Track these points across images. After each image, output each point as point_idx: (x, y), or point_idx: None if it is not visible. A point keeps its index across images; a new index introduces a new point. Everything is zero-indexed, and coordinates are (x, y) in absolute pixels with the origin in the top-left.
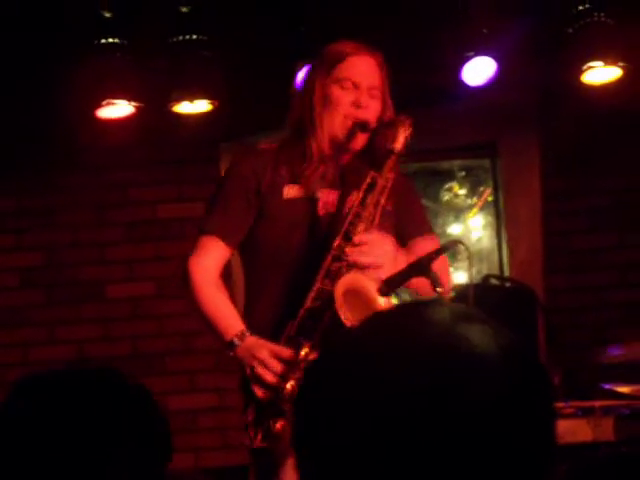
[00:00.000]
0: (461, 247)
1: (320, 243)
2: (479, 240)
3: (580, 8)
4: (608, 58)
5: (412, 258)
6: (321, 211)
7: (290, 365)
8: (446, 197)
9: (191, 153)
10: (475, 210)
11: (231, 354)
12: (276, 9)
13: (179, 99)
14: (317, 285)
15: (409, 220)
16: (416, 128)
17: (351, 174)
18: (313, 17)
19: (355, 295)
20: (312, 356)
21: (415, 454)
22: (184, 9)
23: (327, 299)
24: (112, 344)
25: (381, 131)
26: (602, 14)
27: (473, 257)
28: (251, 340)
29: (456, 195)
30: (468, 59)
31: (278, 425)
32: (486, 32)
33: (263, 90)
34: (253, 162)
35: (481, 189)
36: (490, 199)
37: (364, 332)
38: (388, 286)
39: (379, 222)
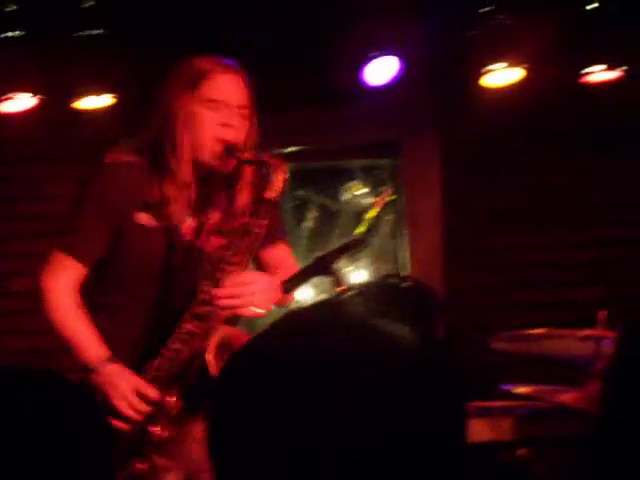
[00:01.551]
0: (362, 247)
1: (183, 279)
2: (379, 239)
3: (483, 10)
4: (511, 59)
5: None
6: (181, 238)
7: (154, 406)
8: (347, 196)
9: (94, 149)
10: (376, 209)
11: (89, 377)
12: (181, 5)
13: (82, 94)
14: (184, 327)
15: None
16: (318, 127)
17: (216, 199)
18: (211, 14)
19: (226, 348)
20: (177, 406)
21: (333, 446)
22: (88, 3)
23: (195, 346)
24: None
25: (256, 168)
26: (505, 16)
27: (373, 256)
28: (114, 368)
29: (357, 194)
30: (371, 59)
31: (142, 467)
32: (390, 32)
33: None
34: (112, 183)
35: (382, 189)
36: (391, 198)
37: (281, 331)
38: (291, 284)
39: (250, 261)
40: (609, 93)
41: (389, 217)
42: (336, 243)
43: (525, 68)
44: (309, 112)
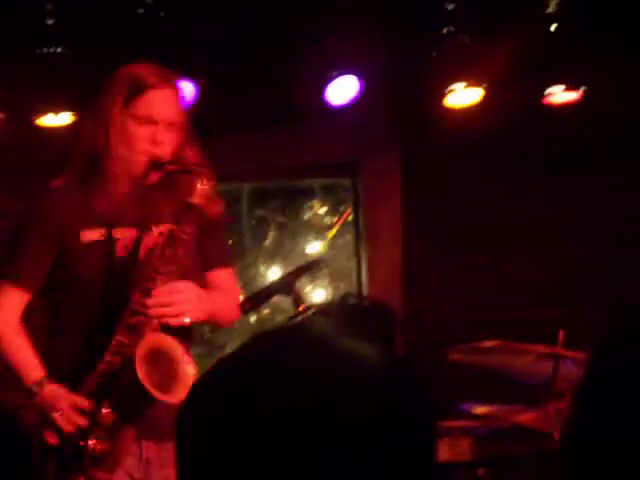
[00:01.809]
0: (322, 266)
1: (119, 291)
2: (339, 259)
3: (445, 30)
4: (470, 80)
5: (213, 293)
6: (120, 253)
7: (90, 419)
8: (307, 215)
9: (57, 166)
10: (335, 229)
11: (31, 400)
12: (142, 23)
13: (41, 111)
14: (116, 339)
15: (210, 251)
16: (279, 146)
17: (148, 210)
18: (172, 33)
19: (158, 356)
20: (111, 418)
21: (299, 468)
22: (50, 21)
23: (126, 356)
24: None
25: (182, 174)
26: (466, 36)
27: (333, 275)
28: (51, 388)
29: (317, 214)
30: (332, 78)
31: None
32: (351, 51)
33: None
34: (51, 205)
35: (342, 208)
36: (350, 218)
37: (245, 353)
38: (250, 304)
39: (179, 269)
40: (569, 114)
41: (349, 236)
42: (296, 262)
43: (485, 88)
44: (269, 131)
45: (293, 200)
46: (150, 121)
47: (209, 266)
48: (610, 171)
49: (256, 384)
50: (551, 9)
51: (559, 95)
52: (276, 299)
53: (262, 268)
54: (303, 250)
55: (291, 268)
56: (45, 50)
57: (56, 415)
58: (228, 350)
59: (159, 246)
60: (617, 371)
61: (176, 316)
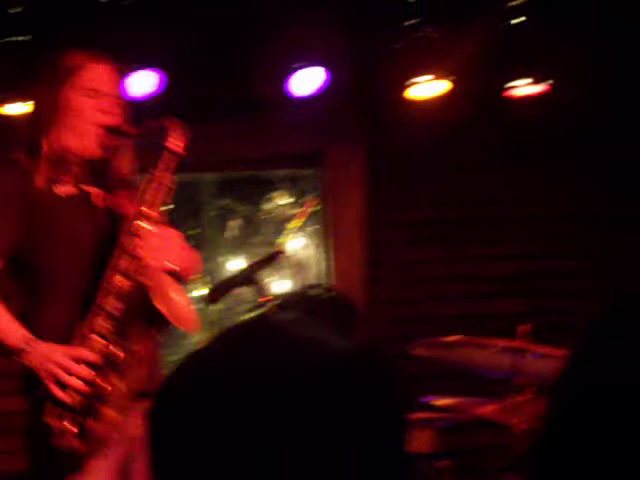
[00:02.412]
0: (284, 257)
1: (104, 240)
2: (302, 250)
3: (408, 22)
4: (435, 72)
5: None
6: (97, 204)
7: (93, 364)
8: (270, 206)
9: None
10: (299, 220)
11: (22, 361)
12: (107, 14)
13: (8, 100)
14: (107, 280)
15: None
16: (243, 136)
17: (108, 173)
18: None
19: (159, 291)
20: (120, 353)
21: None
22: (14, 9)
23: (123, 295)
24: None
25: (146, 134)
26: (431, 29)
27: (296, 266)
28: (43, 345)
29: (279, 205)
30: (296, 69)
31: (92, 423)
32: (315, 43)
33: None
34: (12, 173)
35: (305, 199)
36: (314, 209)
37: (213, 348)
38: (215, 294)
39: (161, 217)
40: (532, 106)
41: (312, 228)
42: (258, 253)
43: (450, 81)
44: (233, 121)
45: (255, 191)
46: (97, 92)
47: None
48: (573, 163)
49: (225, 378)
50: (515, 2)
51: (522, 88)
52: (239, 290)
53: (224, 259)
54: (265, 241)
55: (253, 259)
56: (9, 39)
57: (56, 370)
58: (189, 339)
59: (143, 190)
60: (596, 365)
61: (162, 260)
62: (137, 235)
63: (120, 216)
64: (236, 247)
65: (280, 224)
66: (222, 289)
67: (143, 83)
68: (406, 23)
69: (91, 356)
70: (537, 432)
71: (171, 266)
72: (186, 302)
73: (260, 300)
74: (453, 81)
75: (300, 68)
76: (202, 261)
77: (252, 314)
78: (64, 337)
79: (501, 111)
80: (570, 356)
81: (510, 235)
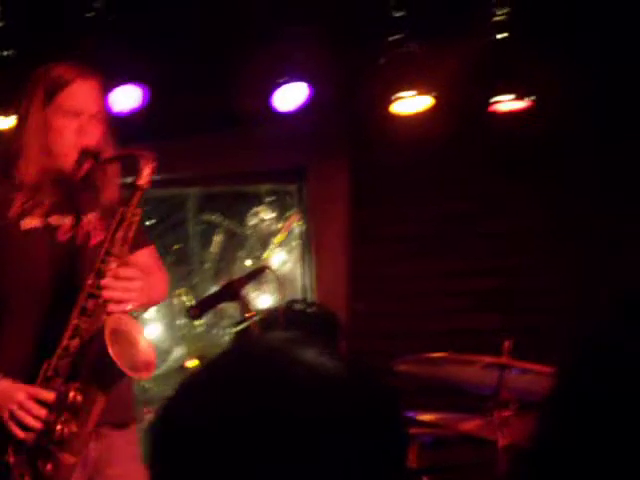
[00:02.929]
0: (269, 272)
1: (67, 276)
2: (285, 265)
3: (392, 38)
4: (419, 88)
5: (147, 278)
6: (61, 238)
7: (53, 407)
8: (253, 221)
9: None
10: (282, 235)
11: None
12: (91, 27)
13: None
14: (73, 322)
15: None
16: (226, 151)
17: (81, 198)
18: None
19: (120, 335)
20: (78, 397)
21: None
22: None
23: (87, 338)
24: None
25: (117, 160)
26: (415, 44)
27: (280, 281)
28: (5, 383)
29: (263, 220)
30: (280, 84)
31: (48, 467)
32: (299, 58)
33: None
34: None
35: (289, 214)
36: (297, 224)
37: (214, 370)
38: (199, 309)
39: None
40: (516, 121)
41: (295, 243)
42: (242, 268)
43: (434, 96)
44: (217, 136)
45: (239, 206)
46: (75, 113)
47: (134, 248)
48: (557, 178)
49: (223, 400)
50: (500, 17)
51: (506, 103)
52: (223, 305)
53: (207, 274)
54: (249, 256)
55: (237, 274)
56: None
57: (15, 408)
58: (174, 355)
59: (111, 228)
60: (586, 385)
61: (123, 302)
62: (103, 274)
63: (88, 250)
64: (219, 261)
65: (264, 239)
66: (206, 304)
67: (126, 98)
68: (390, 38)
69: (51, 397)
70: (527, 450)
71: (132, 308)
72: (147, 344)
73: (244, 315)
74: (436, 97)
75: (284, 83)
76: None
77: (236, 329)
78: (22, 374)
79: (485, 126)
80: (563, 371)
81: (493, 249)
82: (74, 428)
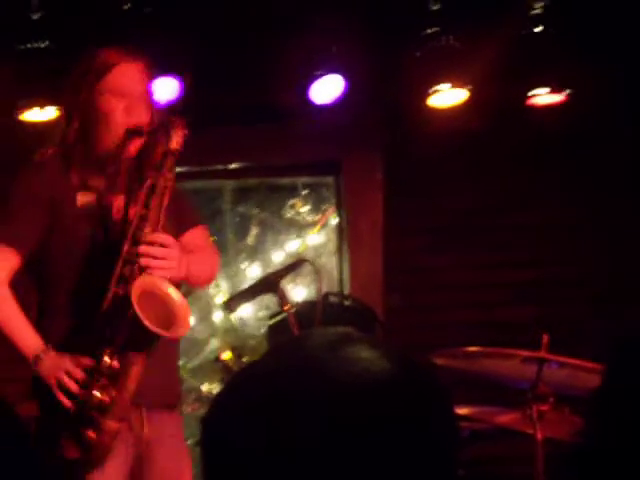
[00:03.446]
0: (308, 265)
1: (113, 249)
2: (320, 258)
3: (428, 31)
4: (454, 81)
5: (191, 255)
6: (114, 217)
7: (92, 373)
8: (289, 214)
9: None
10: (317, 227)
11: (35, 368)
12: (126, 20)
13: (27, 106)
14: (111, 290)
15: (182, 213)
16: (262, 144)
17: (132, 178)
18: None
19: (151, 296)
20: (114, 363)
21: None
22: (36, 15)
23: (121, 304)
24: None
25: (155, 134)
26: (451, 37)
27: (316, 274)
28: (52, 353)
29: (299, 212)
30: (316, 77)
31: (90, 434)
32: (335, 51)
33: None
34: (41, 175)
35: (324, 207)
36: (333, 217)
37: (251, 375)
38: (235, 302)
39: (164, 223)
40: (553, 115)
41: (331, 235)
42: (277, 259)
43: (469, 89)
44: (253, 129)
45: (275, 198)
46: (121, 93)
47: (184, 228)
48: (593, 172)
49: (292, 396)
50: (536, 11)
51: (543, 97)
52: (259, 297)
53: (243, 265)
54: (285, 248)
55: (274, 266)
56: (30, 45)
57: (62, 375)
58: (210, 347)
59: (143, 194)
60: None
61: (160, 269)
62: (137, 242)
63: (128, 222)
64: (255, 253)
65: (299, 231)
66: (243, 297)
67: (163, 90)
68: (426, 31)
69: (90, 363)
70: (575, 446)
71: (171, 275)
72: (179, 302)
73: (282, 308)
74: (471, 90)
75: (320, 76)
76: (219, 265)
77: (272, 322)
78: (68, 346)
79: (520, 119)
80: (609, 369)
81: (530, 241)
82: (113, 393)
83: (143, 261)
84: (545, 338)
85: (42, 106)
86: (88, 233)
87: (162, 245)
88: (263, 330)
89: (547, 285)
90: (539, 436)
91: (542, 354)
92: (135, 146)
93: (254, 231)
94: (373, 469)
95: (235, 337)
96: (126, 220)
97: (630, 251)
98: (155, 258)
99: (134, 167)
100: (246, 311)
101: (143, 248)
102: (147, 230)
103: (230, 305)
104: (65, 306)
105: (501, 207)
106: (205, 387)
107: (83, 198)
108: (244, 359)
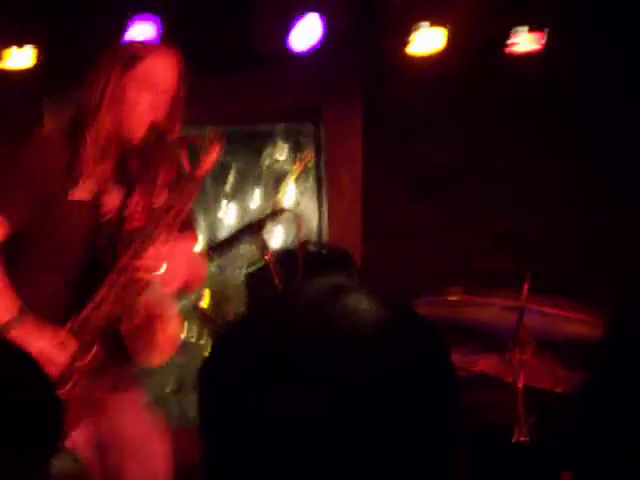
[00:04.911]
0: (288, 213)
1: (104, 250)
2: (298, 205)
3: None
4: (433, 19)
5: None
6: (105, 216)
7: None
8: (267, 161)
9: (14, 108)
10: (296, 175)
11: (10, 332)
12: None
13: (6, 44)
14: (100, 295)
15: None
16: (240, 91)
17: (135, 171)
18: None
19: (147, 322)
20: (97, 357)
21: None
22: None
23: (107, 312)
24: None
25: (183, 143)
26: None
27: (294, 222)
28: (31, 321)
29: (277, 159)
30: (294, 21)
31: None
32: None
33: (89, 43)
34: (42, 156)
35: (302, 154)
36: (311, 163)
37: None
38: (216, 251)
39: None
40: (532, 62)
41: (309, 182)
42: (255, 208)
43: (448, 29)
44: (231, 76)
45: (252, 145)
46: (148, 86)
47: (182, 234)
48: (572, 118)
49: (288, 345)
50: None
51: (522, 44)
52: (238, 246)
53: (221, 213)
54: (263, 195)
55: (254, 215)
56: None
57: (42, 344)
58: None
59: (155, 213)
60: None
61: (162, 282)
62: (137, 256)
63: (126, 233)
64: (233, 201)
65: (277, 179)
66: (224, 246)
67: (140, 33)
68: None
69: (75, 346)
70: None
71: (167, 290)
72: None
73: (262, 256)
74: (451, 33)
75: (298, 18)
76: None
77: (250, 270)
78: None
79: (500, 65)
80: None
81: (509, 190)
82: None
83: (141, 275)
84: (525, 287)
85: (21, 44)
86: (76, 232)
87: (164, 259)
88: (241, 278)
89: (529, 234)
90: (519, 384)
91: (522, 302)
92: (147, 141)
93: (232, 179)
94: (385, 414)
95: (213, 284)
96: (125, 223)
97: (609, 196)
98: (154, 271)
99: (142, 160)
100: (223, 258)
101: (143, 263)
102: (150, 248)
103: (210, 253)
104: (44, 290)
105: (482, 155)
106: (183, 334)
107: (77, 193)
108: (222, 307)
